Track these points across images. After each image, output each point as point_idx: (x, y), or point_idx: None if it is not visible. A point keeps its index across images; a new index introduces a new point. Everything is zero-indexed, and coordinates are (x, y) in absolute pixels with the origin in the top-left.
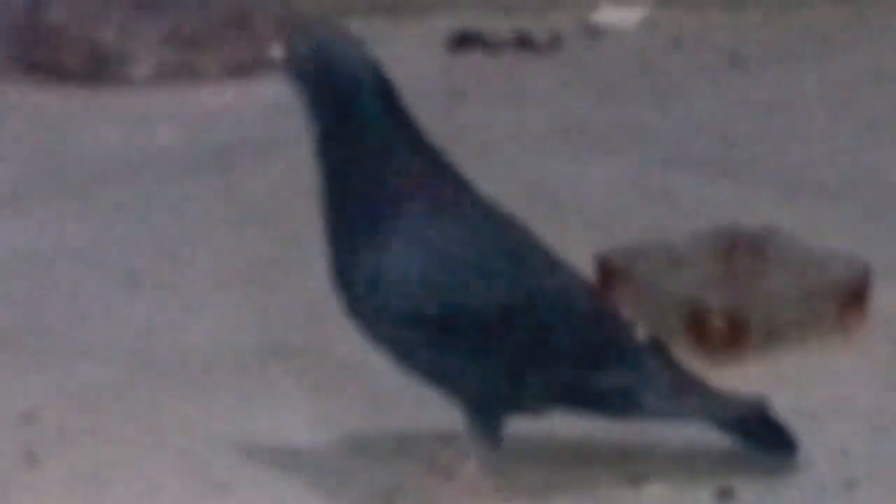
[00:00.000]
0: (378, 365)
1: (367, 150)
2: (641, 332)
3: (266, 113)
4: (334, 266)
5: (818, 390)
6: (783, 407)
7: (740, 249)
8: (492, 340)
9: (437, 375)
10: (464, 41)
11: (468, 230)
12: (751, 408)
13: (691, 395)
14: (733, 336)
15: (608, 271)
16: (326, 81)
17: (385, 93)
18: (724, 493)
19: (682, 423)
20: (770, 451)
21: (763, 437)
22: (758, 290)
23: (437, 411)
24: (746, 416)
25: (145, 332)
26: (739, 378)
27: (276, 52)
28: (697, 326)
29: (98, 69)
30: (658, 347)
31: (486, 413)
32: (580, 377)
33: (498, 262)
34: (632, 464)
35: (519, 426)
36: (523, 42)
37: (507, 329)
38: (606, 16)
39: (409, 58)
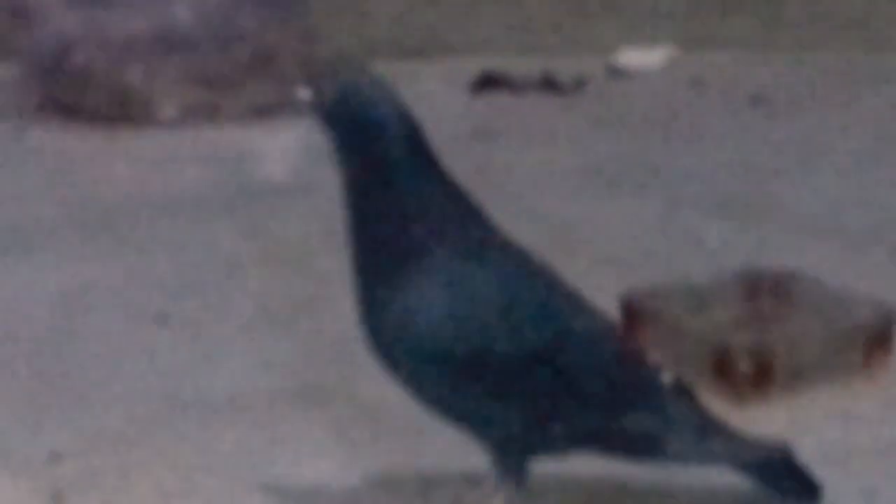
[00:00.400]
0: (405, 406)
1: (395, 192)
2: (666, 376)
3: (290, 154)
4: (362, 307)
5: (843, 432)
6: (808, 449)
7: (765, 291)
8: (517, 384)
9: (464, 418)
10: (488, 82)
11: (494, 273)
12: (775, 453)
13: (715, 440)
14: (758, 377)
15: (633, 312)
16: (356, 124)
17: (414, 136)
18: None
19: (706, 468)
20: (794, 496)
21: (786, 482)
22: (782, 332)
23: (464, 452)
24: (770, 461)
25: (174, 373)
26: (764, 419)
27: (303, 94)
28: (723, 368)
29: (124, 110)
30: (683, 391)
31: (512, 455)
32: (605, 421)
33: (524, 306)
34: None
35: (544, 467)
36: (548, 83)
37: (532, 373)
38: (630, 58)
39: (435, 98)
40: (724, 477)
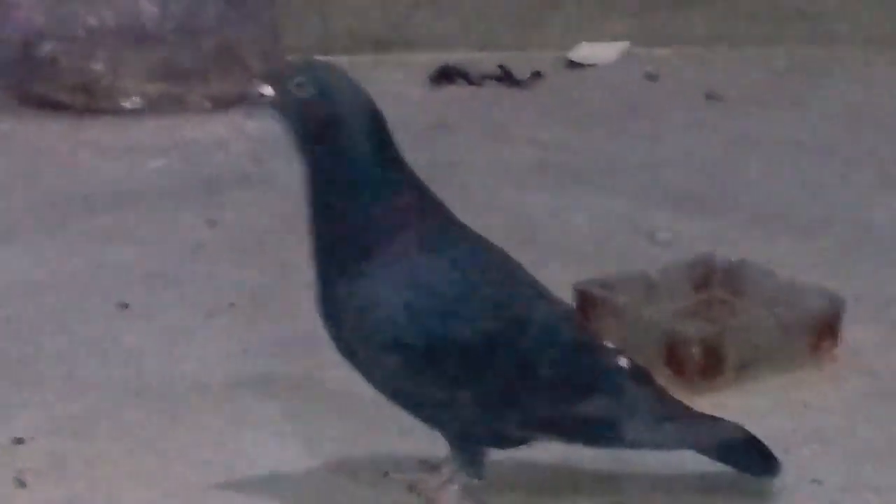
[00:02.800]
0: (365, 393)
1: (357, 183)
2: (623, 361)
3: (253, 144)
4: (322, 296)
5: (792, 420)
6: (758, 436)
7: (716, 281)
8: (475, 371)
9: (422, 406)
10: (446, 76)
11: (452, 263)
12: (733, 432)
13: (674, 423)
14: (709, 366)
15: (587, 302)
16: (319, 116)
17: (376, 128)
18: None
19: (666, 451)
20: (753, 473)
21: (745, 459)
22: (733, 322)
23: (422, 439)
24: (729, 440)
25: (136, 360)
26: (715, 407)
27: (263, 89)
28: (674, 356)
29: (90, 101)
30: (641, 375)
31: (470, 443)
32: (562, 407)
33: (481, 295)
34: (614, 492)
35: (502, 453)
36: (505, 77)
37: (489, 360)
38: (586, 52)
39: (394, 92)
40: (682, 460)
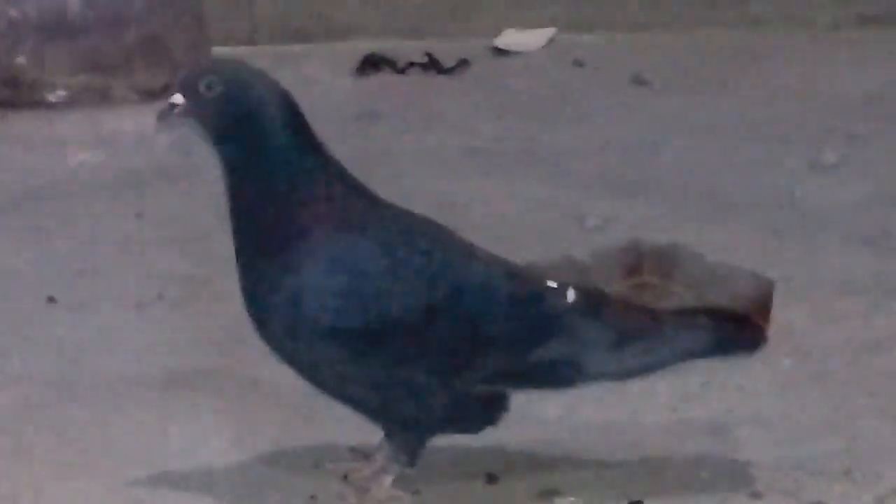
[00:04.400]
0: (296, 385)
1: (274, 174)
2: (571, 294)
3: (179, 137)
4: (247, 289)
5: (724, 403)
6: (690, 419)
7: (646, 266)
8: (420, 344)
9: (359, 396)
10: (372, 64)
11: (376, 240)
12: (702, 332)
13: (636, 345)
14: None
15: None
16: (231, 112)
17: (291, 118)
18: None
19: (635, 378)
20: (735, 355)
21: (724, 347)
22: (664, 306)
23: (354, 429)
24: (700, 337)
25: (64, 354)
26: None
27: (174, 98)
28: None
29: (14, 94)
30: (592, 304)
31: (411, 431)
32: (518, 360)
33: (411, 266)
34: (544, 477)
35: (435, 441)
36: (431, 65)
37: (433, 330)
38: (512, 39)
39: (320, 81)
40: (610, 448)
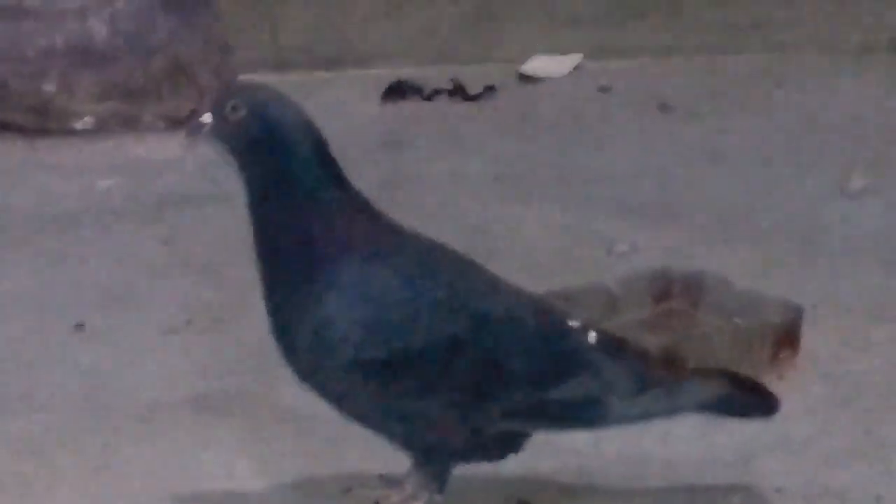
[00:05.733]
0: (323, 411)
1: (296, 201)
2: (592, 336)
3: (205, 163)
4: (272, 317)
5: (752, 430)
6: (719, 447)
7: (675, 293)
8: (443, 376)
9: (386, 423)
10: (398, 91)
11: (402, 272)
12: (719, 388)
13: (656, 391)
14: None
15: None
16: (254, 136)
17: (314, 145)
18: None
19: (658, 419)
20: (750, 417)
21: (740, 407)
22: (692, 333)
23: (383, 455)
24: (717, 395)
25: (92, 380)
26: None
27: (204, 118)
28: None
29: (42, 122)
30: (613, 346)
31: (437, 458)
32: (539, 395)
33: (437, 298)
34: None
35: (465, 470)
36: (457, 91)
37: (456, 362)
38: (538, 65)
39: (347, 108)
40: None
